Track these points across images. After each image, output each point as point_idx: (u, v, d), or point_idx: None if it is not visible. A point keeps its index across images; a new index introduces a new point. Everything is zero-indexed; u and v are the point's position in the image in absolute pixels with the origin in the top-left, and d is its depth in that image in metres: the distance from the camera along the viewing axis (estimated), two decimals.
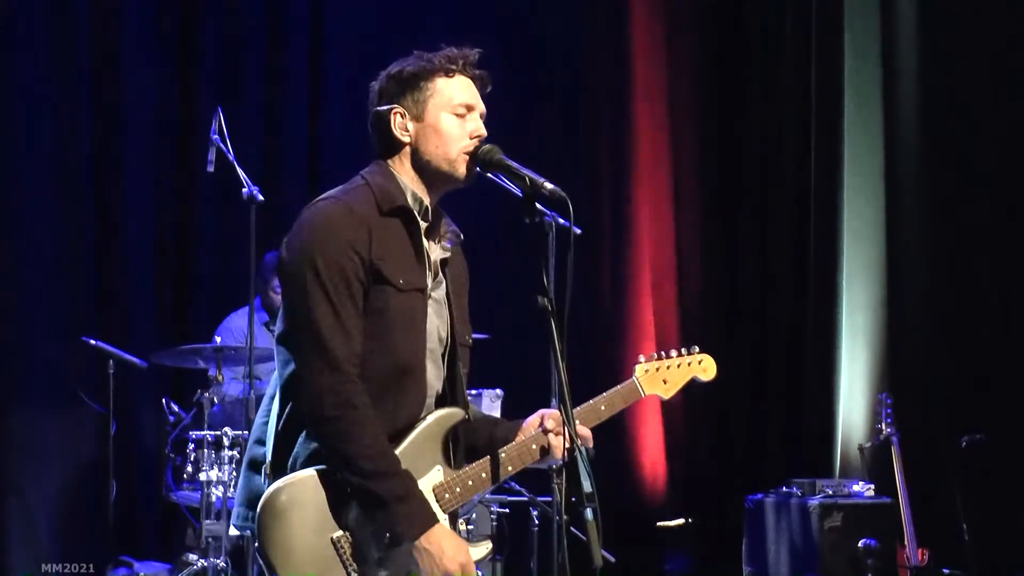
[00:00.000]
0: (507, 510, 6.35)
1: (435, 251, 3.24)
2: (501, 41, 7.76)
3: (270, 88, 7.66)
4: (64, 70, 7.00)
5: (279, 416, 3.14)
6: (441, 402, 3.23)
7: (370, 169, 3.23)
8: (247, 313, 5.52)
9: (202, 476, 5.83)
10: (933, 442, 7.11)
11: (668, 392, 3.53)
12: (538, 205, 3.22)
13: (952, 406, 7.26)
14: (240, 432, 5.81)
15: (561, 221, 3.68)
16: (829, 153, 7.93)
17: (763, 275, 8.26)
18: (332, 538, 3.02)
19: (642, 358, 3.53)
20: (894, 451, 6.67)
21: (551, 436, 3.23)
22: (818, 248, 7.94)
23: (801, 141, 8.10)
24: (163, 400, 6.37)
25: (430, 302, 3.20)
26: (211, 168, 5.65)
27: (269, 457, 3.15)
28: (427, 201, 3.21)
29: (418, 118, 3.19)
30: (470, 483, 3.17)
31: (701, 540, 7.89)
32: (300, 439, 3.08)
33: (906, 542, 6.50)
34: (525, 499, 6.15)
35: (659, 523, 7.87)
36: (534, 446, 3.25)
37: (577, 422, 3.16)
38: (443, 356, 3.24)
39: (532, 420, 3.29)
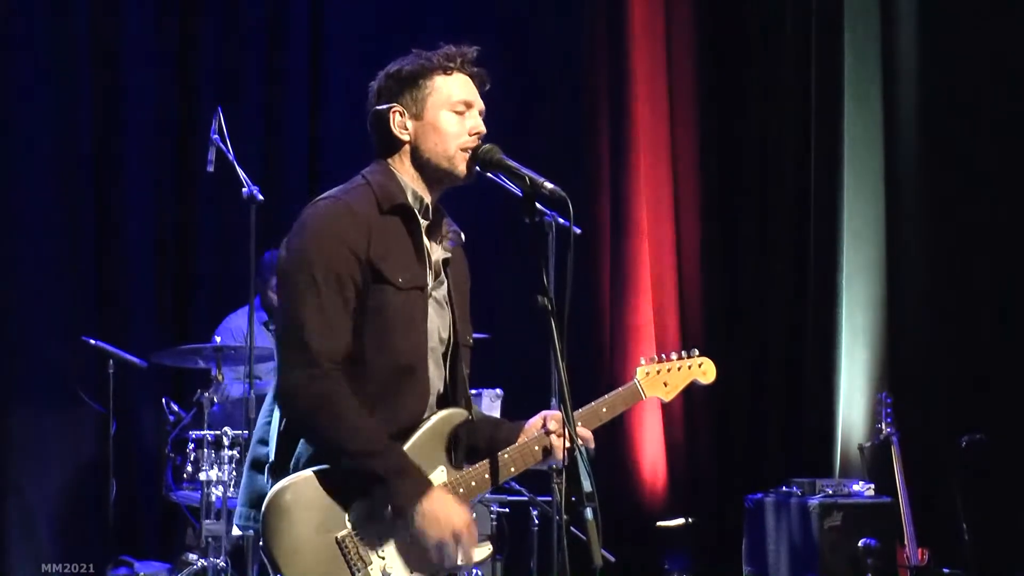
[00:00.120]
0: (507, 510, 6.34)
1: (436, 251, 3.24)
2: (501, 41, 7.75)
3: (270, 88, 7.66)
4: (64, 70, 7.00)
5: (281, 417, 3.14)
6: (443, 402, 3.23)
7: (370, 168, 3.23)
8: (247, 313, 5.52)
9: (202, 476, 5.83)
10: (933, 442, 7.11)
11: (668, 394, 3.56)
12: (538, 205, 3.22)
13: (952, 406, 7.26)
14: (240, 432, 5.80)
15: (561, 221, 3.68)
16: (829, 153, 7.91)
17: (763, 275, 8.24)
18: (336, 537, 3.02)
19: (643, 360, 3.54)
20: (894, 451, 6.67)
21: (553, 437, 3.23)
22: (818, 248, 7.93)
23: (801, 141, 8.08)
24: (163, 400, 6.36)
25: (431, 301, 3.20)
26: (211, 168, 5.64)
27: (272, 457, 3.16)
28: (427, 199, 3.21)
29: (417, 116, 3.19)
30: (473, 483, 3.17)
31: (701, 540, 7.87)
32: (302, 439, 3.09)
33: (906, 542, 6.50)
34: (525, 499, 6.14)
35: (659, 523, 7.85)
36: (536, 447, 3.25)
37: (578, 423, 3.17)
38: (444, 356, 3.24)
39: (534, 421, 3.30)
